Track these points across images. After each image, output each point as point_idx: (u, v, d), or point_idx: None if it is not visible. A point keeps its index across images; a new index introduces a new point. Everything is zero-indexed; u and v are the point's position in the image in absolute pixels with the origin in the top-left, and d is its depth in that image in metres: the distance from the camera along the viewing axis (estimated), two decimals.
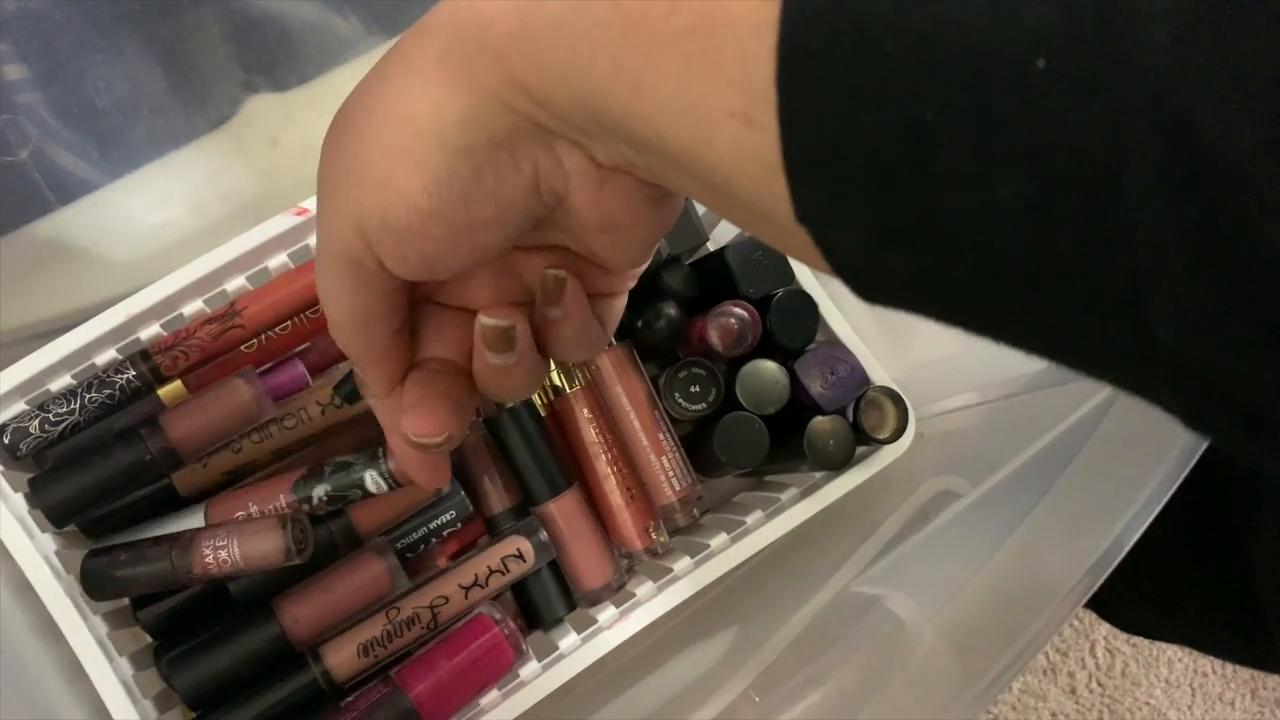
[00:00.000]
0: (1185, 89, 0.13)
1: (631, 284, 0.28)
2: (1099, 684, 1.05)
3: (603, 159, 0.23)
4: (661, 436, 0.49)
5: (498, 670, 0.44)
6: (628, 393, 0.48)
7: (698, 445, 0.50)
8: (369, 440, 0.47)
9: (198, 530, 0.42)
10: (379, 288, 0.24)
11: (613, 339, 0.49)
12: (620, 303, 0.29)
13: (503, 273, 0.27)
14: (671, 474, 0.49)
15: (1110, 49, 0.14)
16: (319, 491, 0.44)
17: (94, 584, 0.42)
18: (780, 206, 0.18)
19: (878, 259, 0.18)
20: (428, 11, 0.23)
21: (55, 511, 0.43)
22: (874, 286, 0.19)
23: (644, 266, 0.27)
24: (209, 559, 0.41)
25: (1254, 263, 0.13)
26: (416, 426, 0.26)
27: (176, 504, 0.46)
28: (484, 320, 0.25)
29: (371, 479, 0.43)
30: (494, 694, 0.44)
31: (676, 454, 0.49)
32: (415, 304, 0.27)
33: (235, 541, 0.41)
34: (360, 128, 0.23)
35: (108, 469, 0.43)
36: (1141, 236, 0.14)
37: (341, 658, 0.43)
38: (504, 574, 0.45)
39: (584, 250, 0.26)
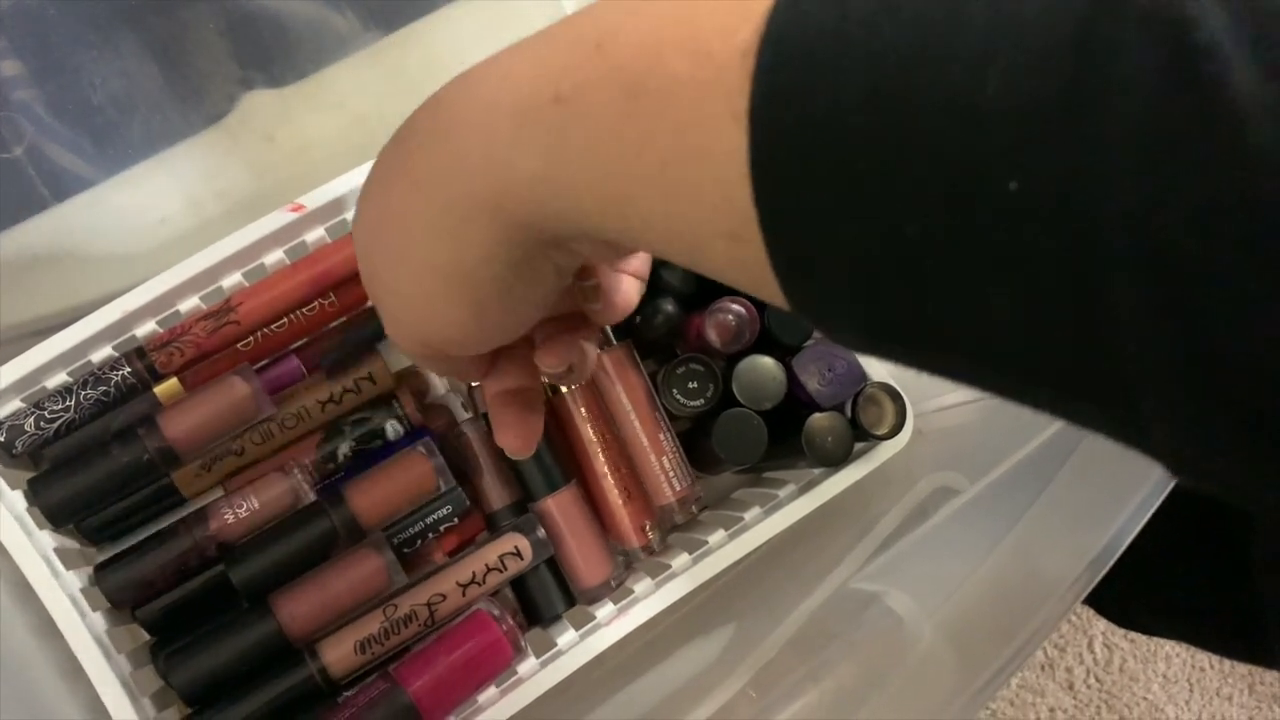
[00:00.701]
0: (1159, 214, 0.14)
1: None
2: (1097, 679, 1.05)
3: (612, 241, 0.24)
4: (662, 436, 0.49)
5: (496, 667, 0.44)
6: (628, 392, 0.48)
7: (696, 442, 0.50)
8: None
9: (209, 503, 0.45)
10: (459, 360, 0.29)
11: (613, 338, 0.49)
12: (644, 256, 0.31)
13: None
14: (671, 474, 0.49)
15: (1079, 174, 0.15)
16: (343, 448, 0.47)
17: (115, 589, 0.43)
18: (778, 297, 0.19)
19: (874, 347, 0.19)
20: (402, 148, 0.25)
21: (55, 511, 0.43)
22: (873, 355, 0.20)
23: None
24: (228, 516, 0.44)
25: (1239, 375, 0.14)
26: (547, 361, 0.31)
27: (177, 506, 0.46)
28: (544, 369, 0.31)
29: (391, 428, 0.47)
30: (492, 691, 0.44)
31: (677, 454, 0.49)
32: None
33: (251, 495, 0.44)
34: (393, 272, 0.26)
35: (106, 468, 0.43)
36: (1130, 349, 0.15)
37: (338, 654, 0.43)
38: (501, 571, 0.45)
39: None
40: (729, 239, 0.19)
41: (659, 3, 0.20)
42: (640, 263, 0.31)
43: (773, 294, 0.19)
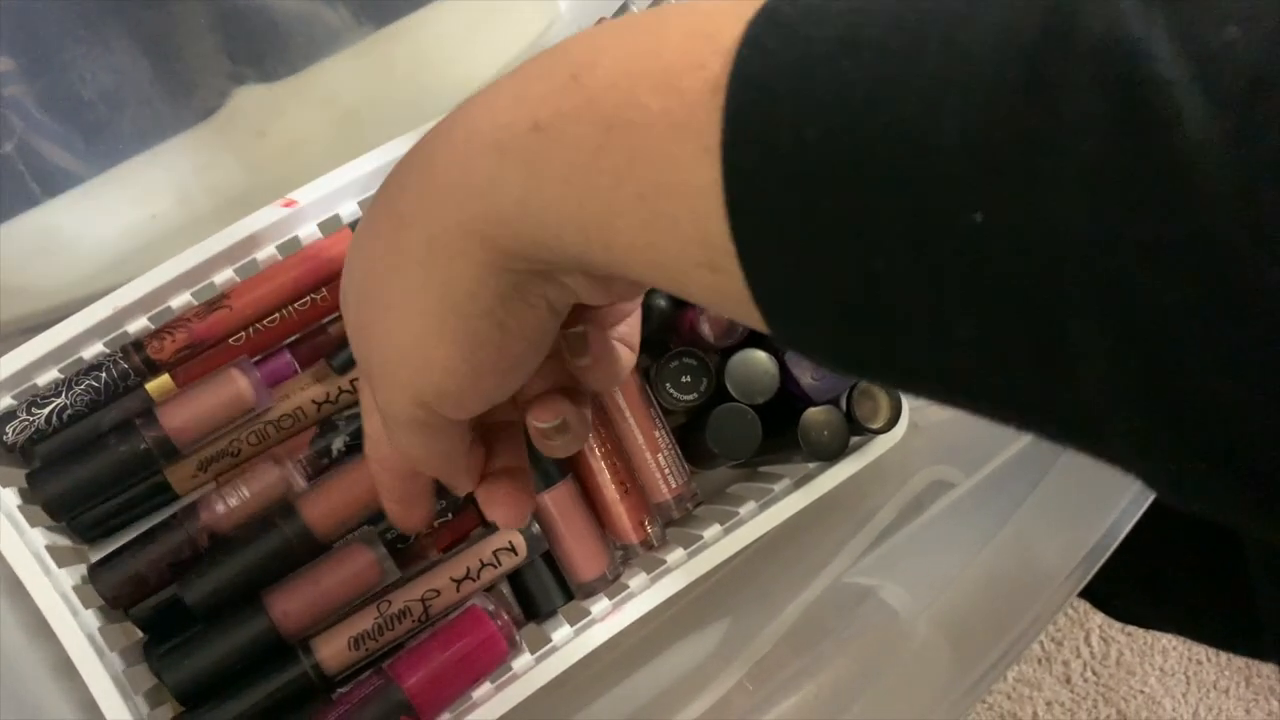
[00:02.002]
0: (1114, 253, 0.14)
1: (641, 296, 0.30)
2: (1094, 673, 1.05)
3: (601, 275, 0.24)
4: (657, 433, 0.48)
5: (491, 663, 0.44)
6: (622, 389, 0.48)
7: (690, 436, 0.50)
8: None
9: (200, 496, 0.45)
10: (451, 431, 0.28)
11: None
12: (635, 317, 0.31)
13: None
14: (667, 471, 0.49)
15: (1036, 213, 0.15)
16: (337, 443, 0.46)
17: (110, 587, 0.43)
18: (761, 325, 0.20)
19: (854, 374, 0.21)
20: (390, 191, 0.25)
21: (53, 503, 0.43)
22: (858, 379, 0.21)
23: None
24: (219, 506, 0.44)
25: (1200, 408, 0.14)
26: (540, 416, 0.29)
27: (170, 504, 0.46)
28: (536, 425, 0.29)
29: None
30: (487, 686, 0.44)
31: (672, 450, 0.49)
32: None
33: (242, 485, 0.44)
34: (384, 322, 0.25)
35: (104, 460, 0.43)
36: (1093, 383, 0.15)
37: (332, 650, 0.43)
38: (496, 566, 0.45)
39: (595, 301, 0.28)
40: (709, 270, 0.20)
41: (633, 36, 0.21)
42: (629, 330, 0.30)
43: (756, 321, 0.20)
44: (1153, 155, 0.14)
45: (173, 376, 0.45)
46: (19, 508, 0.43)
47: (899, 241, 0.16)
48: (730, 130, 0.18)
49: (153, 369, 0.44)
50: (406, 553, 0.47)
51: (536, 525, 0.46)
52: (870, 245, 0.17)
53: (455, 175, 0.23)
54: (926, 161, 0.16)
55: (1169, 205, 0.14)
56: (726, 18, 0.19)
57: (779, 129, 0.17)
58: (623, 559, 0.49)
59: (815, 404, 0.46)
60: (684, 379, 0.47)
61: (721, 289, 0.20)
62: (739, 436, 0.46)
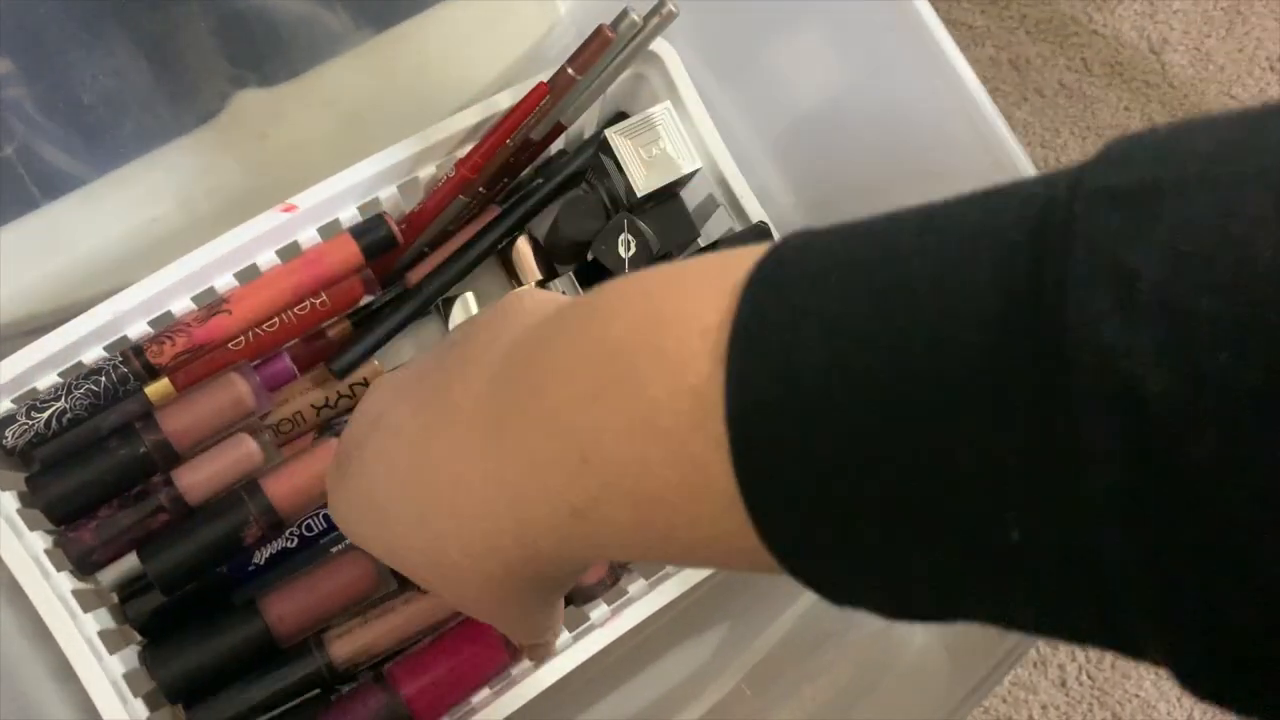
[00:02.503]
0: (1153, 572, 0.15)
1: None
2: (1089, 676, 1.06)
3: None
4: None
5: (491, 669, 0.44)
6: None
7: None
8: None
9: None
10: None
11: None
12: None
13: None
14: None
15: (1073, 533, 0.16)
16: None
17: (81, 561, 0.43)
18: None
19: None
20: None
21: (53, 508, 0.43)
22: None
23: None
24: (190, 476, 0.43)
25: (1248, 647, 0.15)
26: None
27: None
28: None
29: None
30: (486, 692, 0.44)
31: None
32: None
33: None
34: (457, 598, 0.28)
35: (103, 464, 0.43)
36: (1148, 653, 0.16)
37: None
38: None
39: None
40: (771, 571, 0.21)
41: (617, 403, 0.21)
42: None
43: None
44: (1169, 481, 0.14)
45: (172, 381, 0.45)
46: (18, 511, 0.43)
47: (943, 559, 0.17)
48: (746, 485, 0.19)
49: (152, 373, 0.44)
50: None
51: None
52: (914, 564, 0.18)
53: (519, 550, 0.24)
54: (951, 493, 0.16)
55: (1193, 527, 0.14)
56: (700, 359, 0.19)
57: (792, 474, 0.18)
58: (621, 564, 0.49)
59: None
60: None
61: (753, 563, 0.21)
62: None
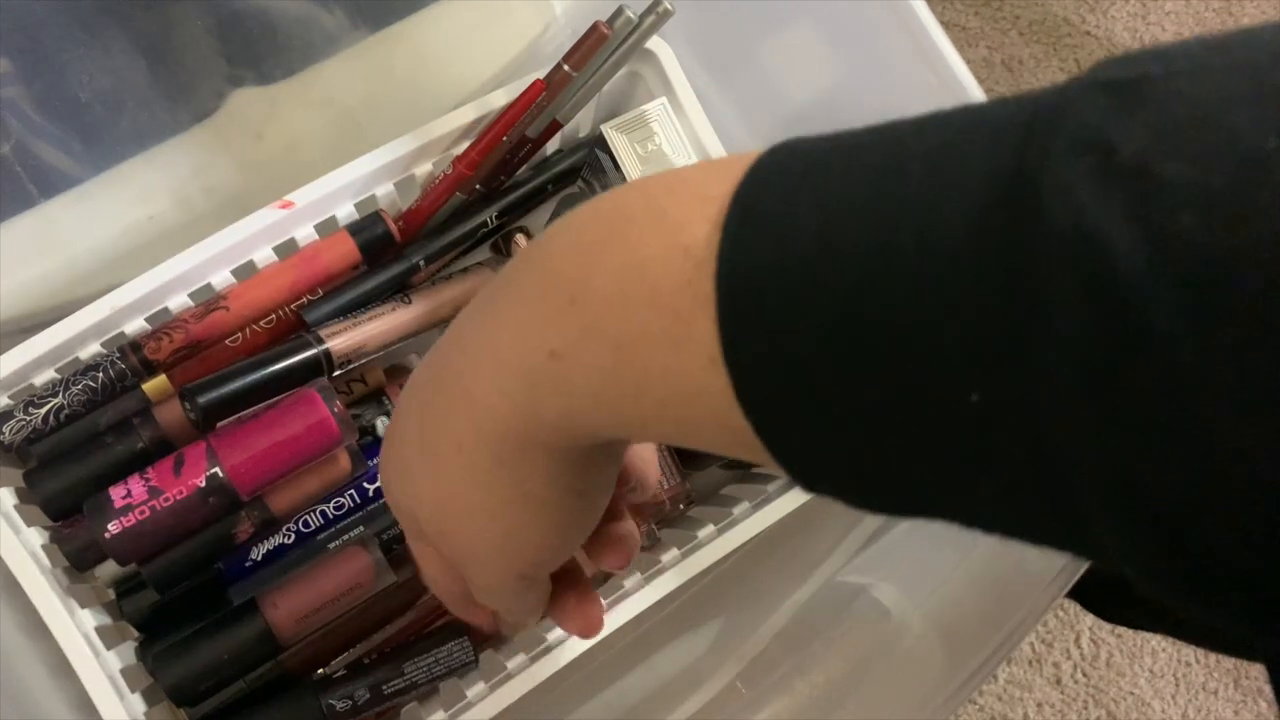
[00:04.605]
0: (1110, 436, 0.15)
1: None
2: (1084, 674, 1.06)
3: None
4: None
5: (321, 447, 0.44)
6: None
7: None
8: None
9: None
10: (543, 581, 0.30)
11: None
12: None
13: None
14: (661, 472, 0.49)
15: (1030, 397, 0.16)
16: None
17: (78, 556, 0.43)
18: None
19: (880, 514, 0.22)
20: (433, 422, 0.26)
21: (50, 504, 0.43)
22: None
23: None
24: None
25: (1209, 570, 0.15)
26: (612, 563, 0.33)
27: None
28: (614, 570, 0.34)
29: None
30: (481, 687, 0.45)
31: (666, 452, 0.49)
32: None
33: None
34: (470, 528, 0.27)
35: (100, 459, 0.43)
36: (1108, 544, 0.16)
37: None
38: None
39: None
40: (741, 447, 0.21)
41: (616, 249, 0.22)
42: (649, 450, 0.33)
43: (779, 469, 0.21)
44: (1131, 344, 0.15)
45: (170, 377, 0.45)
46: (15, 507, 0.43)
47: (909, 423, 0.18)
48: (728, 340, 0.19)
49: (150, 369, 0.45)
50: (401, 555, 0.47)
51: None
52: (879, 429, 0.18)
53: (494, 403, 0.24)
54: (922, 356, 0.17)
55: (1153, 391, 0.15)
56: (696, 222, 0.20)
57: (775, 334, 0.19)
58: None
59: None
60: None
61: (751, 452, 0.21)
62: None
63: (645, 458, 0.32)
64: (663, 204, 0.21)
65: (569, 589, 0.33)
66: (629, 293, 0.21)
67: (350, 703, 0.43)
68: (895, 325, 0.17)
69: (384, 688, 0.43)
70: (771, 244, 0.19)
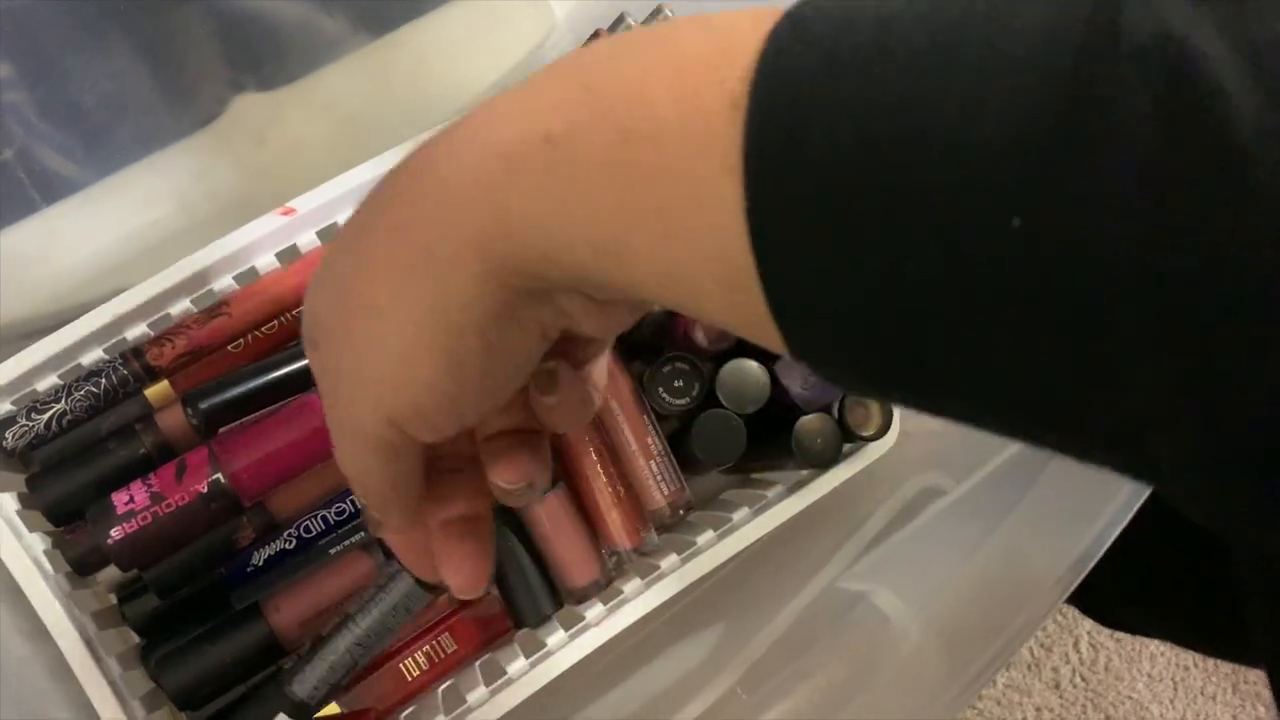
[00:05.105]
0: (1165, 256, 0.14)
1: (614, 339, 0.29)
2: (1083, 679, 1.06)
3: (601, 299, 0.23)
4: (650, 440, 0.49)
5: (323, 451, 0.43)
6: (615, 395, 0.49)
7: (682, 442, 0.50)
8: None
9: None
10: (412, 456, 0.26)
11: None
12: (604, 361, 0.29)
13: None
14: (660, 478, 0.49)
15: (1083, 216, 0.14)
16: None
17: (80, 562, 0.43)
18: (777, 344, 0.19)
19: (877, 393, 0.19)
20: (383, 197, 0.24)
21: (52, 509, 0.43)
22: (877, 399, 0.20)
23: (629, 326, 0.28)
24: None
25: (1249, 419, 0.14)
26: (505, 475, 0.28)
27: None
28: (502, 486, 0.28)
29: None
30: (481, 691, 0.45)
31: (665, 458, 0.49)
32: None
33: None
34: (367, 332, 0.24)
35: (103, 465, 0.43)
36: (1139, 390, 0.15)
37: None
38: None
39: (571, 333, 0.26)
40: (727, 288, 0.19)
41: (649, 48, 0.20)
42: (598, 373, 0.29)
43: (772, 340, 0.19)
44: (1208, 156, 0.13)
45: (172, 383, 0.45)
46: (18, 513, 0.43)
47: (935, 249, 0.16)
48: (752, 146, 0.17)
49: (152, 375, 0.45)
50: None
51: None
52: (904, 255, 0.16)
53: (460, 185, 0.22)
54: (969, 165, 0.15)
55: (1224, 207, 0.13)
56: (745, 32, 0.18)
57: (806, 142, 0.17)
58: (616, 564, 0.49)
59: (805, 413, 0.47)
60: (676, 384, 0.47)
61: (738, 306, 0.19)
62: (724, 443, 0.47)
63: (581, 393, 0.28)
64: (710, 17, 0.20)
65: (465, 530, 0.29)
66: (654, 81, 0.19)
67: (316, 688, 0.42)
68: (947, 134, 0.15)
69: (341, 645, 0.42)
70: (820, 50, 0.17)
